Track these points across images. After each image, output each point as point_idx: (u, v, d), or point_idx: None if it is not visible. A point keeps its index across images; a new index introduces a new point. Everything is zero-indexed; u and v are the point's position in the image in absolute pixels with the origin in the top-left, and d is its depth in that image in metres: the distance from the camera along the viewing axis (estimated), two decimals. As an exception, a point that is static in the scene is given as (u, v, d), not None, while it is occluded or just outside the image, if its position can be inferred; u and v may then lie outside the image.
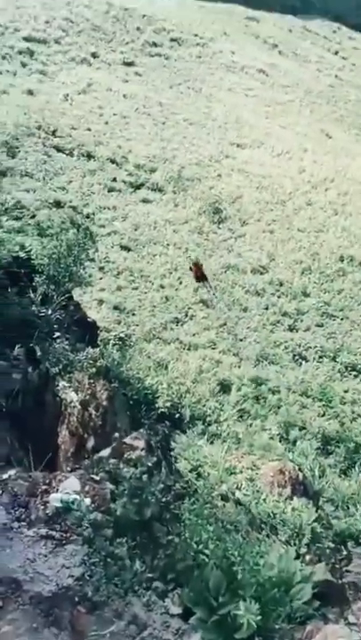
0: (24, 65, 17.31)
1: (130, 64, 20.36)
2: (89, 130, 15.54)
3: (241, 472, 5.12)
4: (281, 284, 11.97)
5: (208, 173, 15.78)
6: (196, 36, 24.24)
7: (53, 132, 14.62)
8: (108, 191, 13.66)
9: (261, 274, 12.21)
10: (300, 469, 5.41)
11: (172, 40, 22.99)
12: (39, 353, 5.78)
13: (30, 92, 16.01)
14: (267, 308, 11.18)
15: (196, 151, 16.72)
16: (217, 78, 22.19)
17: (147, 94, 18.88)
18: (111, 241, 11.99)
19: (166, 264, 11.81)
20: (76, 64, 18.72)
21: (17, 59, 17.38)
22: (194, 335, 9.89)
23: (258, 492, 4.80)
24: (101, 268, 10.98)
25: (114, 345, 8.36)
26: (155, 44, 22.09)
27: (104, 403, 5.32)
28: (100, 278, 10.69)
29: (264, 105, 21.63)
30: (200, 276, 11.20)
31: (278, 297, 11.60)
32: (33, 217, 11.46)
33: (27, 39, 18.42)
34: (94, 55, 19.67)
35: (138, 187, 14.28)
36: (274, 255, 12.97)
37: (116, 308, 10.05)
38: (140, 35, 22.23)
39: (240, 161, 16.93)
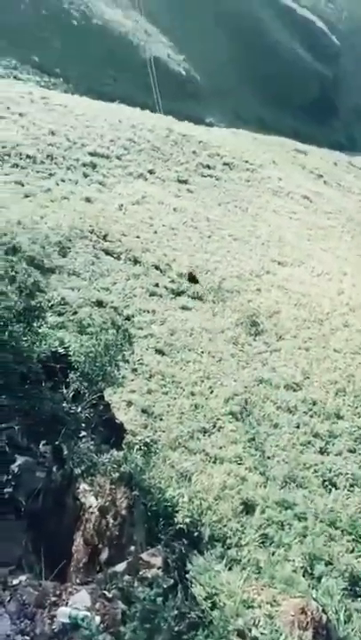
0: (86, 176, 18.65)
1: (183, 182, 21.71)
2: (138, 237, 16.32)
3: (260, 606, 4.75)
4: (314, 404, 11.76)
5: (248, 287, 16.17)
6: (246, 162, 25.88)
7: (104, 237, 15.40)
8: (150, 295, 14.07)
9: (295, 391, 12.06)
10: (324, 611, 4.98)
11: (225, 164, 24.57)
12: (65, 452, 5.71)
13: (88, 200, 17.10)
14: (298, 427, 10.91)
15: (237, 265, 17.27)
16: (263, 200, 23.35)
17: (196, 210, 19.91)
18: (147, 344, 12.14)
19: (199, 371, 11.82)
20: (134, 178, 20.07)
21: (80, 170, 18.77)
22: (220, 448, 9.65)
23: (276, 631, 4.42)
24: (134, 370, 11.05)
25: (138, 450, 8.20)
26: (208, 167, 23.62)
27: (123, 511, 5.13)
28: (132, 380, 10.72)
29: (306, 228, 22.49)
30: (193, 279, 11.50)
31: (310, 416, 11.35)
32: (75, 314, 11.80)
33: (91, 154, 19.99)
34: (151, 172, 21.10)
35: (178, 294, 14.67)
36: (308, 373, 12.86)
37: (144, 411, 9.98)
38: (196, 157, 23.88)
39: (280, 278, 17.35)
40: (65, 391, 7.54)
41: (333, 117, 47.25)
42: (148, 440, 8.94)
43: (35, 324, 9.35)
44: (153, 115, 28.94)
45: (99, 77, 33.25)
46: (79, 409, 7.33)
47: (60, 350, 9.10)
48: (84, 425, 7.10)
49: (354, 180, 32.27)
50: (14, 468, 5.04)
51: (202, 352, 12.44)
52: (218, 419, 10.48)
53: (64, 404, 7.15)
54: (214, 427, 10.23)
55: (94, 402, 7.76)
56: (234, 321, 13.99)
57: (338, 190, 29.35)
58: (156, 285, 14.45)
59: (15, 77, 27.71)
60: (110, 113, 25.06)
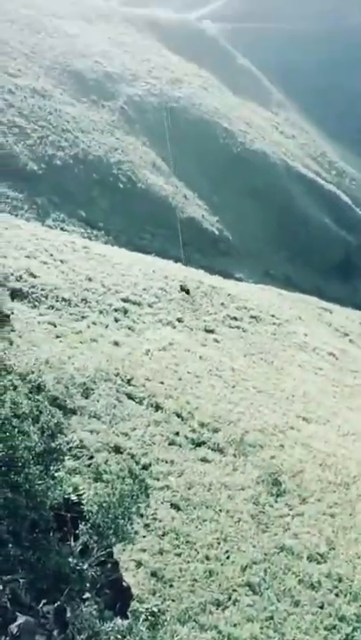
0: (117, 320, 19.24)
1: (210, 331, 22.17)
2: (162, 383, 16.31)
3: None
4: (340, 580, 10.74)
5: (271, 442, 15.68)
6: (273, 316, 26.53)
7: (128, 381, 15.44)
8: (169, 444, 13.69)
9: (318, 563, 11.10)
10: None
11: (252, 317, 25.21)
12: (68, 614, 5.21)
13: (116, 343, 17.45)
14: (322, 607, 9.86)
15: (261, 418, 16.92)
16: (289, 354, 23.50)
17: (221, 359, 20.06)
18: (163, 496, 11.57)
19: (215, 532, 11.07)
20: (162, 325, 20.61)
21: (112, 315, 19.42)
22: (235, 625, 8.69)
23: None
24: (147, 525, 10.40)
25: (145, 620, 7.41)
26: (235, 318, 24.23)
27: None
28: (144, 536, 10.05)
29: (332, 385, 22.30)
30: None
31: (336, 595, 10.31)
32: (91, 458, 11.46)
33: (124, 300, 20.80)
34: (179, 320, 21.70)
35: (199, 444, 14.26)
36: (334, 543, 11.93)
37: (153, 574, 9.21)
38: (224, 309, 24.62)
39: (304, 435, 16.86)
40: (73, 544, 7.10)
41: (357, 279, 49.09)
42: (155, 609, 8.12)
43: (52, 468, 9.06)
44: (185, 267, 30.47)
45: (138, 232, 35.72)
46: (86, 566, 6.82)
47: (73, 497, 8.70)
48: (89, 585, 6.57)
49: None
50: (14, 628, 4.60)
51: (220, 510, 11.76)
52: (234, 589, 9.58)
53: (71, 559, 6.69)
54: (229, 599, 9.32)
55: (102, 559, 7.24)
56: (255, 478, 13.38)
57: (363, 350, 29.51)
58: (177, 434, 14.12)
59: (62, 229, 29.93)
60: (145, 264, 26.48)
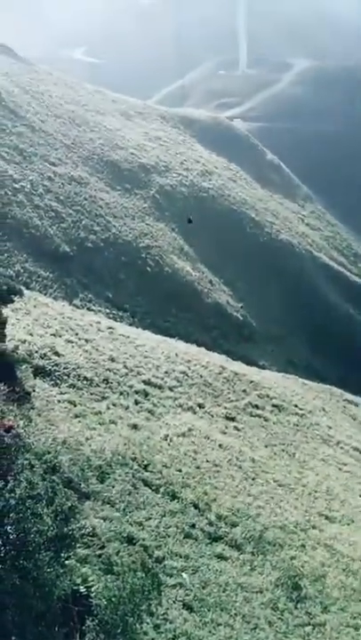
0: (137, 402, 19.07)
1: (231, 419, 21.77)
2: (180, 471, 15.84)
3: None
4: None
5: (292, 541, 14.90)
6: (296, 406, 26.04)
7: (145, 467, 15.03)
8: (185, 537, 13.07)
9: None
10: None
11: (274, 406, 24.77)
12: None
13: (135, 427, 17.18)
14: None
15: (281, 514, 16.19)
16: (311, 447, 22.82)
17: (242, 448, 19.53)
18: (175, 595, 10.89)
19: (230, 639, 10.29)
20: (183, 410, 20.33)
21: (132, 397, 19.28)
22: None
23: None
24: (157, 626, 9.72)
25: None
26: (257, 407, 23.83)
27: None
28: (153, 638, 9.38)
29: (358, 482, 21.40)
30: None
31: None
32: (102, 548, 10.95)
33: (145, 382, 20.72)
34: (200, 406, 21.41)
35: (215, 539, 13.61)
36: (358, 659, 10.98)
37: None
38: (245, 396, 24.29)
39: (327, 535, 16.02)
40: (78, 644, 6.66)
41: (383, 373, 48.28)
42: None
43: (63, 555, 8.72)
44: (208, 352, 30.44)
45: (162, 315, 36.13)
46: None
47: (82, 589, 8.28)
48: None
49: None
50: None
51: (235, 614, 11.00)
52: None
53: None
54: None
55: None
56: (274, 580, 12.59)
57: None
58: (193, 526, 13.52)
59: (89, 309, 30.46)
60: (168, 346, 26.57)
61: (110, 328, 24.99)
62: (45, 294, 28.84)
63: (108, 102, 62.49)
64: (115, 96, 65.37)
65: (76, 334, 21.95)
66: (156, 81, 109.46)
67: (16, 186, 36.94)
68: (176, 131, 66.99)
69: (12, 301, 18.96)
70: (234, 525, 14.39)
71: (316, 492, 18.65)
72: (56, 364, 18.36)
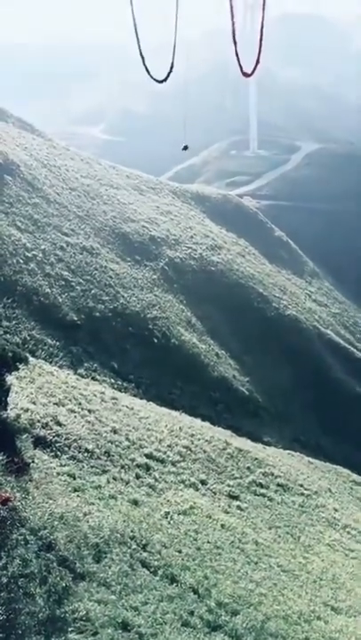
0: (138, 477, 18.64)
1: (234, 497, 21.16)
2: (179, 552, 15.26)
3: None
4: None
5: (295, 633, 14.11)
6: (301, 486, 25.33)
7: (144, 547, 14.50)
8: (182, 625, 12.41)
9: None
10: None
11: (279, 485, 24.11)
12: None
13: (135, 502, 16.71)
14: None
15: (284, 602, 15.42)
16: (317, 530, 22.01)
17: (245, 529, 18.88)
18: None
19: None
20: (185, 487, 19.81)
21: (134, 470, 18.87)
22: None
23: None
24: None
25: None
26: (261, 485, 23.20)
27: None
28: None
29: (364, 570, 20.45)
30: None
31: None
32: (95, 634, 10.40)
33: (147, 456, 20.33)
34: (203, 482, 20.87)
35: (215, 628, 12.91)
36: None
37: None
38: (250, 474, 23.69)
39: (333, 628, 15.16)
40: None
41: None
42: None
43: (53, 639, 8.33)
44: (212, 426, 29.99)
45: (167, 387, 35.86)
46: None
47: None
48: None
49: None
50: None
51: None
52: None
53: None
54: None
55: None
56: None
57: None
58: (191, 613, 12.86)
59: (93, 378, 30.34)
60: (172, 419, 26.22)
61: (114, 399, 24.82)
62: (51, 362, 28.85)
63: (122, 177, 64.88)
64: (129, 171, 67.91)
65: (80, 404, 21.78)
66: (169, 159, 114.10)
67: (28, 254, 37.82)
68: (187, 206, 69.08)
69: (17, 369, 18.98)
70: (235, 614, 13.68)
71: (321, 579, 17.83)
72: (57, 435, 18.12)
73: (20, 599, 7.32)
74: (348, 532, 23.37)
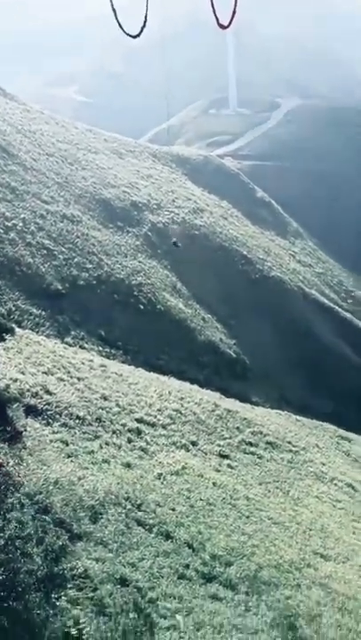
0: (130, 441, 19.01)
1: (225, 456, 21.69)
2: (173, 510, 15.74)
3: None
4: None
5: (286, 580, 14.73)
6: (289, 443, 25.98)
7: (139, 506, 14.93)
8: (178, 578, 12.94)
9: None
10: None
11: (267, 443, 24.71)
12: None
13: (128, 465, 17.11)
14: None
15: (276, 552, 16.03)
16: (305, 484, 22.69)
17: (236, 486, 19.42)
18: (169, 637, 10.74)
19: None
20: (176, 448, 20.26)
21: (125, 435, 19.23)
22: None
23: None
24: (151, 671, 9.58)
25: None
26: (250, 444, 23.77)
27: None
28: None
29: (352, 519, 21.25)
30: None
31: None
32: (95, 590, 10.82)
33: (138, 420, 20.70)
34: (194, 443, 21.34)
35: (210, 579, 13.46)
36: None
37: None
38: (239, 433, 24.23)
39: (322, 574, 15.84)
40: None
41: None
42: None
43: (53, 595, 8.66)
44: (201, 389, 30.43)
45: (155, 352, 36.13)
46: None
47: (74, 632, 8.20)
48: None
49: None
50: None
51: (230, 657, 10.82)
52: None
53: None
54: None
55: None
56: (269, 621, 12.42)
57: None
58: (187, 567, 13.39)
59: (81, 347, 30.49)
60: (161, 384, 26.59)
61: (103, 366, 25.04)
62: (37, 332, 28.90)
63: (100, 141, 63.70)
64: (106, 135, 66.65)
65: (69, 372, 21.98)
66: (147, 120, 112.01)
67: (8, 224, 37.37)
68: (168, 169, 68.27)
69: (4, 340, 19.07)
70: (228, 565, 14.25)
71: (310, 529, 18.51)
72: (48, 403, 18.35)
73: (18, 559, 7.62)
74: (336, 485, 24.13)
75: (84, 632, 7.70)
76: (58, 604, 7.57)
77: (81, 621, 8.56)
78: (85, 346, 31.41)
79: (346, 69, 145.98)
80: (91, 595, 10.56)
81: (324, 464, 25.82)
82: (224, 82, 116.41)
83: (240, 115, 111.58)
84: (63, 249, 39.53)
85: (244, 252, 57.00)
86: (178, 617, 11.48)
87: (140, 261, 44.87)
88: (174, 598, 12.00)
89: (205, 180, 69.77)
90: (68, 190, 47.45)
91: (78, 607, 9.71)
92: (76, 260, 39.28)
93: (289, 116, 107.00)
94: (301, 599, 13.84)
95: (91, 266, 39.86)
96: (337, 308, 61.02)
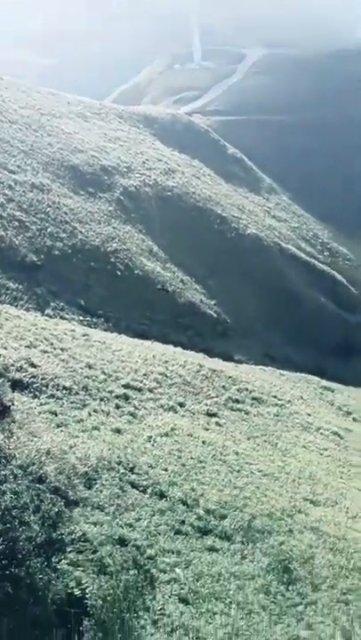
0: (118, 407, 19.27)
1: (212, 415, 22.12)
2: (165, 470, 16.12)
3: None
4: None
5: (279, 527, 15.30)
6: (275, 397, 26.54)
7: (132, 469, 15.27)
8: (175, 534, 13.37)
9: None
10: None
11: (253, 399, 25.22)
12: None
13: (118, 431, 17.40)
14: None
15: (267, 502, 16.58)
16: (293, 435, 23.32)
17: (225, 443, 19.90)
18: (170, 590, 11.19)
19: (227, 626, 10.64)
20: (164, 410, 20.60)
21: (113, 402, 19.48)
22: None
23: None
24: (155, 622, 9.98)
25: None
26: (237, 401, 24.24)
27: None
28: (152, 634, 9.64)
29: (339, 465, 21.98)
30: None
31: None
32: (95, 552, 11.16)
33: (125, 386, 20.92)
34: (181, 405, 21.71)
35: (206, 532, 13.94)
36: (350, 633, 11.41)
37: None
38: (225, 392, 24.67)
39: (313, 518, 16.47)
40: (77, 644, 6.89)
41: (357, 357, 49.31)
42: None
43: (54, 559, 8.93)
44: (185, 351, 30.73)
45: (136, 318, 36.21)
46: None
47: (77, 592, 8.51)
48: None
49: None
50: None
51: (230, 602, 11.34)
52: None
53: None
54: None
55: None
56: (264, 566, 12.97)
57: (368, 427, 29.27)
58: (183, 523, 13.82)
59: (62, 317, 30.42)
60: (145, 349, 26.80)
61: (85, 335, 25.11)
62: (16, 306, 28.74)
63: (63, 104, 61.96)
64: (69, 97, 64.83)
65: (51, 344, 22.03)
66: (110, 79, 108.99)
67: (-24, 197, 36.69)
68: (135, 130, 66.94)
69: (-15, 317, 18.98)
70: (222, 518, 14.73)
71: (299, 478, 19.12)
72: (33, 376, 18.44)
73: (16, 527, 7.83)
74: (321, 434, 24.84)
75: (87, 591, 8.01)
76: (59, 567, 7.85)
77: (83, 582, 8.88)
78: (66, 316, 31.35)
79: (317, 14, 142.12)
80: (91, 557, 10.90)
81: (309, 415, 26.49)
82: (189, 35, 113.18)
83: (205, 69, 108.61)
84: (35, 219, 38.93)
85: (219, 212, 56.73)
86: (177, 570, 11.93)
87: (114, 227, 44.45)
88: (173, 553, 12.44)
89: (175, 140, 68.66)
90: (34, 158, 46.40)
91: (80, 569, 10.05)
92: (49, 229, 38.77)
93: (255, 68, 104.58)
94: (294, 544, 14.42)
95: (65, 235, 39.41)
96: (314, 261, 61.42)
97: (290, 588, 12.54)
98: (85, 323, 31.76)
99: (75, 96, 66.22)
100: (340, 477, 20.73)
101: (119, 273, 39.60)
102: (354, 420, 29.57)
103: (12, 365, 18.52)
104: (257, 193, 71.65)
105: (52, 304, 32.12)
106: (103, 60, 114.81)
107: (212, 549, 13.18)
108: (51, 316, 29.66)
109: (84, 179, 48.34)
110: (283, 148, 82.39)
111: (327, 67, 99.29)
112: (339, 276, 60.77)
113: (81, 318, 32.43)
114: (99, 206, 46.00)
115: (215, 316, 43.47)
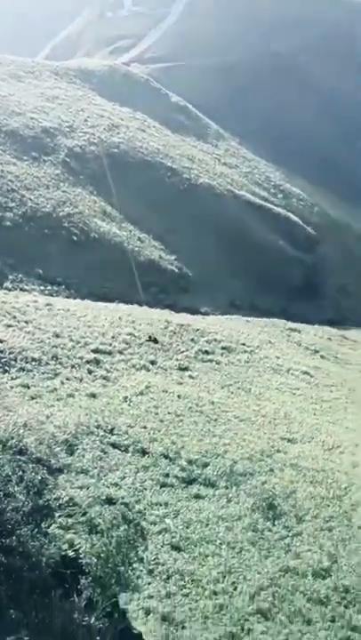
0: (90, 372, 19.35)
1: (184, 369, 22.42)
2: (144, 428, 16.40)
3: None
4: (347, 591, 10.87)
5: (260, 468, 15.85)
6: (243, 344, 26.96)
7: (111, 431, 15.49)
8: (161, 487, 13.73)
9: (324, 578, 11.24)
10: None
11: (223, 348, 25.58)
12: None
13: (93, 395, 17.53)
14: (333, 621, 9.97)
15: (247, 446, 17.09)
16: (265, 379, 23.87)
17: (199, 394, 20.27)
18: (162, 540, 11.58)
19: (219, 566, 11.13)
20: (136, 370, 20.77)
21: (84, 367, 19.52)
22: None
23: None
24: (150, 572, 10.38)
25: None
26: (207, 352, 24.56)
27: None
28: (149, 583, 10.03)
29: (311, 403, 22.68)
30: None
31: (345, 607, 10.42)
32: (84, 514, 11.41)
33: (94, 351, 20.95)
34: (153, 362, 21.90)
35: (190, 482, 14.35)
36: (336, 556, 12.09)
37: (164, 618, 9.19)
38: (195, 345, 24.94)
39: (291, 455, 17.09)
40: (76, 600, 7.13)
41: (318, 296, 50.19)
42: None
43: (43, 525, 9.09)
44: (150, 309, 30.78)
45: (98, 282, 35.90)
46: (92, 619, 6.88)
47: (70, 553, 8.73)
48: (98, 638, 6.61)
49: (350, 351, 33.32)
50: None
51: (220, 543, 11.82)
52: (246, 619, 9.62)
53: (75, 615, 6.72)
54: (242, 630, 9.36)
55: (109, 609, 7.31)
56: (250, 506, 13.49)
57: (336, 363, 30.13)
58: (167, 475, 14.19)
59: (22, 289, 29.96)
60: (110, 312, 26.74)
61: (48, 305, 24.86)
62: (-26, 283, 28.17)
63: (-6, 65, 59.26)
64: (-1, 57, 61.90)
65: (15, 317, 21.77)
66: (39, 34, 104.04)
67: None
68: (73, 86, 64.52)
69: None
70: (205, 466, 15.17)
71: (275, 419, 19.70)
72: (1, 351, 18.29)
73: (1, 499, 7.95)
74: (292, 374, 25.48)
75: (80, 551, 8.24)
76: (50, 532, 8.03)
77: (75, 543, 9.13)
78: (26, 287, 30.89)
79: None
80: (81, 519, 11.16)
81: (278, 357, 27.07)
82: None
83: (137, 14, 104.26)
84: (-19, 191, 37.74)
85: (169, 164, 55.81)
86: (167, 520, 12.33)
87: (63, 191, 43.41)
88: (160, 505, 12.81)
89: (115, 93, 66.55)
90: (-29, 127, 44.61)
91: (71, 531, 10.30)
92: (-3, 200, 37.67)
93: (189, 8, 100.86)
94: (276, 481, 14.99)
95: (14, 204, 38.35)
96: (268, 204, 61.38)
97: (276, 522, 13.12)
98: (47, 292, 31.38)
99: (5, 55, 63.20)
100: (314, 414, 21.43)
101: (75, 238, 38.95)
102: (322, 357, 30.36)
103: (-22, 343, 18.32)
104: (205, 140, 70.51)
105: (10, 277, 31.53)
106: (30, 14, 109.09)
107: (198, 497, 13.62)
108: (10, 289, 29.17)
109: (25, 143, 46.70)
110: (226, 91, 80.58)
111: (262, 2, 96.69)
112: (294, 217, 61.03)
113: (42, 288, 32.00)
114: (45, 170, 44.71)
115: (177, 270, 43.40)
